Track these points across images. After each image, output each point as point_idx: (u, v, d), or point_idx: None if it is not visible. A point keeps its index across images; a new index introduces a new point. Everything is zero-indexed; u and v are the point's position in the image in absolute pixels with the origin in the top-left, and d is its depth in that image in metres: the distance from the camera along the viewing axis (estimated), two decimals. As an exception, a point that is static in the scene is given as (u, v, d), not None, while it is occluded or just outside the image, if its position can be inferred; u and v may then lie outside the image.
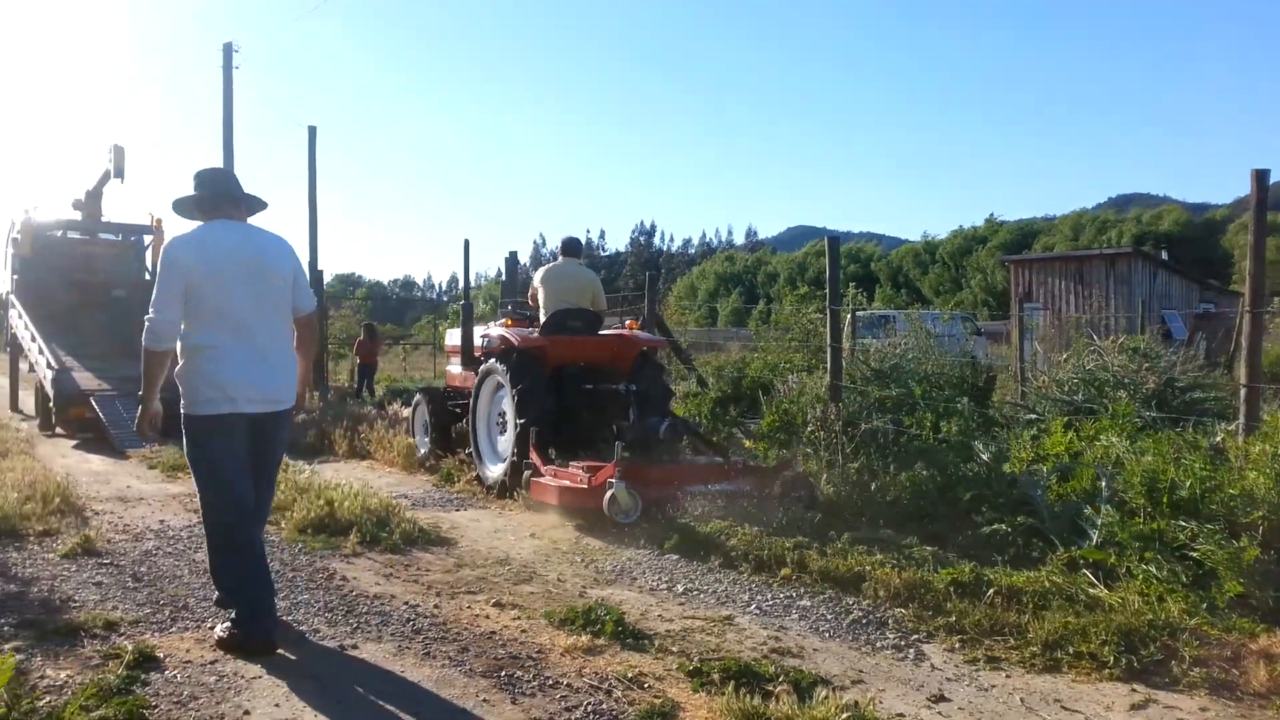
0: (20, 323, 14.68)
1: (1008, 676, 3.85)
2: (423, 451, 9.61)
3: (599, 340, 8.38)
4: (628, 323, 9.09)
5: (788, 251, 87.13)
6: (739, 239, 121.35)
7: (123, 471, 9.52)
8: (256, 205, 4.41)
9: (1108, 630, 3.96)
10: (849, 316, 12.11)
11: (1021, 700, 3.59)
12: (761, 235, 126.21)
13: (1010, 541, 5.15)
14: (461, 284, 11.09)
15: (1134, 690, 3.64)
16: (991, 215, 67.05)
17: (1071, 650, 3.94)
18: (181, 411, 4.06)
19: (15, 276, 15.62)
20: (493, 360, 8.22)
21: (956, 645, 4.17)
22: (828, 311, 8.20)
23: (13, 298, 15.52)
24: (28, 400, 15.86)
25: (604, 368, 8.26)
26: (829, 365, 8.01)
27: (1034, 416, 7.70)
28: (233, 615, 4.07)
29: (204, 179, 4.30)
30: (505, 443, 8.00)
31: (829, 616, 4.60)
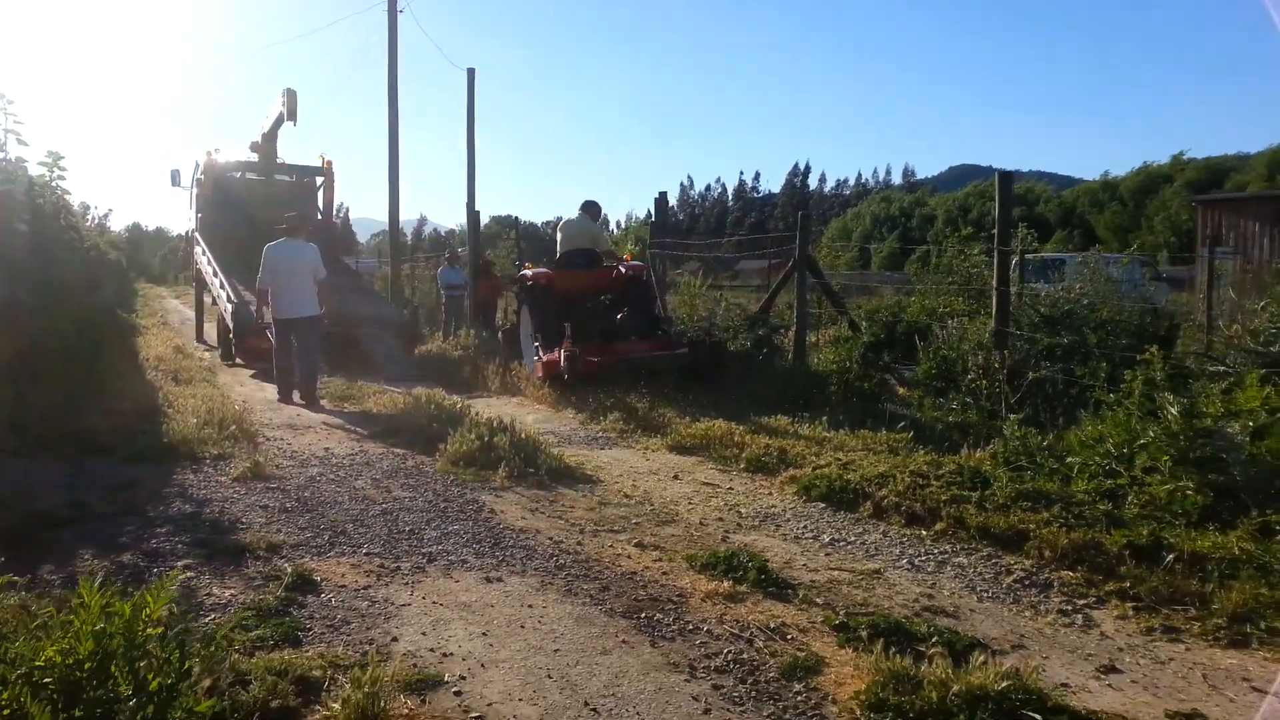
0: (204, 259, 15.59)
1: (1188, 649, 3.54)
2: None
3: (592, 271, 11.39)
4: (625, 256, 12.23)
5: (949, 192, 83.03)
6: (896, 179, 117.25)
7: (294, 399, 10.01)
8: (308, 226, 10.55)
9: (1309, 606, 3.58)
10: (1016, 259, 11.39)
11: (1204, 676, 3.30)
12: (921, 175, 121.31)
13: (1195, 503, 4.71)
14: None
15: (1340, 675, 3.27)
16: (1181, 153, 61.63)
17: (1264, 625, 3.60)
18: (271, 317, 9.53)
19: (199, 215, 16.57)
20: (522, 291, 11.71)
21: (1130, 613, 3.87)
22: (995, 253, 7.70)
23: (197, 235, 16.49)
24: (211, 332, 16.94)
25: (600, 289, 11.17)
26: (994, 310, 7.54)
27: (1223, 369, 7.05)
28: (278, 390, 9.74)
29: (288, 219, 10.12)
30: (532, 346, 11.27)
31: (987, 575, 4.35)
